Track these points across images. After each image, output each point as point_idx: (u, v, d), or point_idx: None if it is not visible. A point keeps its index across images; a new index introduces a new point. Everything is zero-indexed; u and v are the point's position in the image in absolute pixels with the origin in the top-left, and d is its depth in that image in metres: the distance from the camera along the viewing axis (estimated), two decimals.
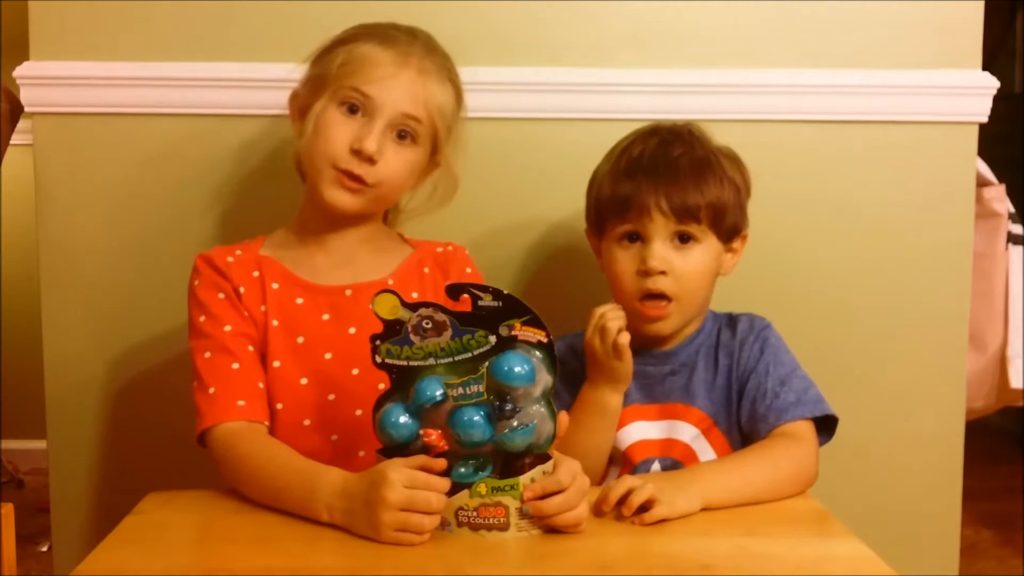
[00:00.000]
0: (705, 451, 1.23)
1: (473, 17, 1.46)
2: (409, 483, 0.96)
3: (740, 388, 1.24)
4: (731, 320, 1.29)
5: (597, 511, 1.04)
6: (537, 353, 0.98)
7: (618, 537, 0.99)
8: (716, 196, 1.21)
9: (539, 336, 0.98)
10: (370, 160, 1.15)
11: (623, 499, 1.03)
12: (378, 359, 1.01)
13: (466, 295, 0.98)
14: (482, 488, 0.98)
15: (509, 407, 0.98)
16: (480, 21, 1.47)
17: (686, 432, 1.24)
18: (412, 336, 1.00)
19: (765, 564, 0.93)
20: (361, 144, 1.14)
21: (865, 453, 1.54)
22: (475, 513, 0.99)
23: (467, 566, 0.93)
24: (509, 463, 0.99)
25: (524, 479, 0.98)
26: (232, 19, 1.44)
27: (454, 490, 0.98)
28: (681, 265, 1.21)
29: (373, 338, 1.01)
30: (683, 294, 1.21)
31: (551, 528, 0.99)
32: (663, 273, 1.20)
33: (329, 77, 1.17)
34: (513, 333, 0.98)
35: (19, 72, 1.45)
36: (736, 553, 0.96)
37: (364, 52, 1.17)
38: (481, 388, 0.98)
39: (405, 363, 1.00)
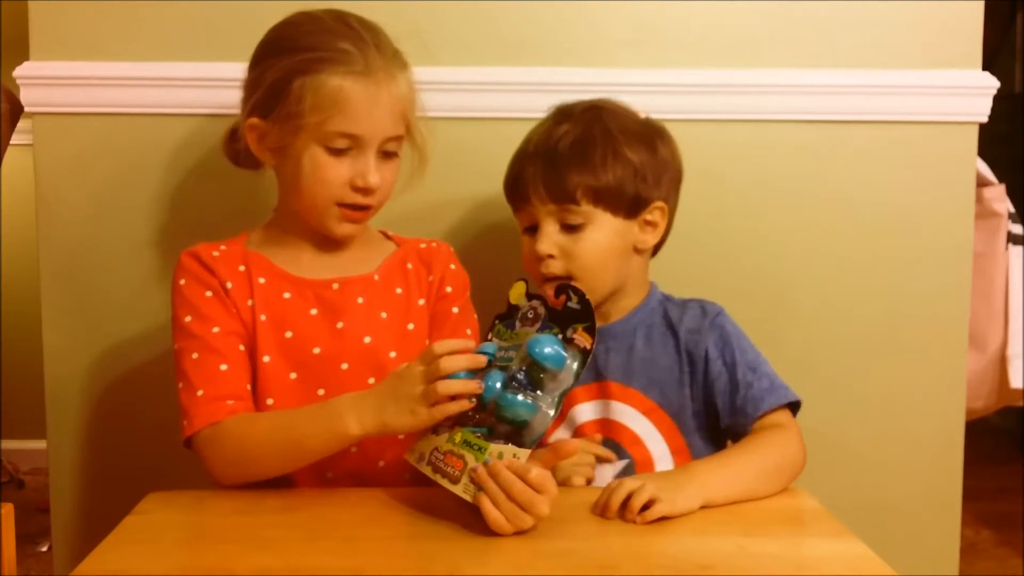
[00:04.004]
0: (650, 435, 1.22)
1: (474, 17, 1.46)
2: (429, 354, 1.01)
3: (704, 380, 1.21)
4: (681, 304, 1.27)
5: (599, 515, 1.04)
6: (577, 356, 1.00)
7: (618, 537, 0.99)
8: (597, 176, 1.20)
9: (585, 343, 1.00)
10: (371, 189, 1.17)
11: (624, 503, 1.03)
12: (490, 335, 1.08)
13: (564, 295, 1.03)
14: (458, 436, 1.01)
15: (524, 379, 1.00)
16: (480, 21, 1.47)
17: (626, 414, 1.23)
18: (517, 322, 1.06)
19: (765, 564, 0.93)
20: (365, 181, 1.16)
21: (865, 453, 1.54)
22: (442, 457, 1.02)
23: (467, 566, 0.93)
24: (494, 429, 1.01)
25: (494, 448, 0.99)
26: (232, 19, 1.44)
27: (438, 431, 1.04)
28: (572, 246, 1.21)
29: (495, 317, 1.09)
30: (581, 274, 1.21)
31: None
32: (552, 256, 1.21)
33: (303, 119, 1.13)
34: (573, 336, 1.01)
35: (19, 72, 1.45)
36: (736, 553, 0.96)
37: (334, 90, 1.13)
38: (513, 355, 1.02)
39: (501, 342, 1.06)
